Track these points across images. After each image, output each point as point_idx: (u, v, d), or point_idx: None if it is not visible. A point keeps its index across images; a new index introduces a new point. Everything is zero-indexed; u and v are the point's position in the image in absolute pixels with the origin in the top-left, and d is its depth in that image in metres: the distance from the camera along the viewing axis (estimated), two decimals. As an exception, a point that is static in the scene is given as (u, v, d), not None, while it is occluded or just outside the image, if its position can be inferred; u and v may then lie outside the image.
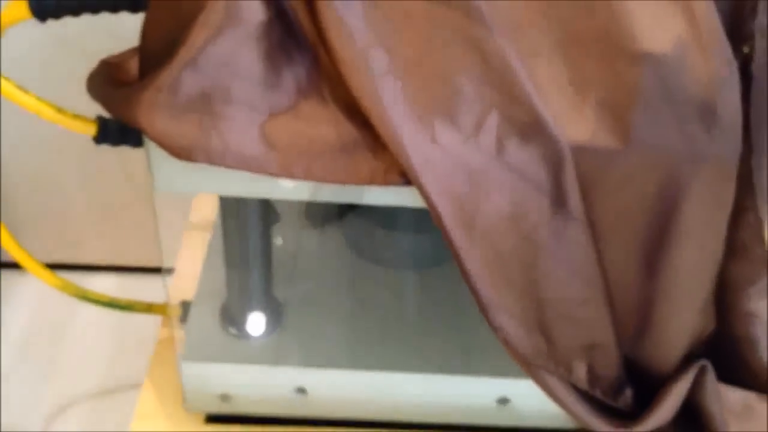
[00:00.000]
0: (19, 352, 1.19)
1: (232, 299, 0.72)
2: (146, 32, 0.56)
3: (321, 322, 0.73)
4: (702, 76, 0.53)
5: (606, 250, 0.58)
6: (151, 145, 0.55)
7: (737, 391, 0.67)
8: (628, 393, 0.64)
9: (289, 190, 0.58)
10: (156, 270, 1.24)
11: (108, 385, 1.15)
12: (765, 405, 0.67)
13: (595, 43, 0.54)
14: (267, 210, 0.69)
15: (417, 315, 0.75)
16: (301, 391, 0.70)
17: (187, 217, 0.87)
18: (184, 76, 0.52)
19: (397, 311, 0.75)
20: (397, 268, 0.79)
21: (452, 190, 0.55)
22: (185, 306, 0.75)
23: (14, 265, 1.15)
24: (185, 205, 0.88)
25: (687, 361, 0.64)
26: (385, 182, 0.55)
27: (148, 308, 0.84)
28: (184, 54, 0.52)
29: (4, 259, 1.21)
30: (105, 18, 0.60)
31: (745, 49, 0.57)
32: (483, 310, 0.58)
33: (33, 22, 0.60)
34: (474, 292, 0.57)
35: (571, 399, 0.63)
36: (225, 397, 0.70)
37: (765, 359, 0.66)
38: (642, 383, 0.65)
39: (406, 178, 0.54)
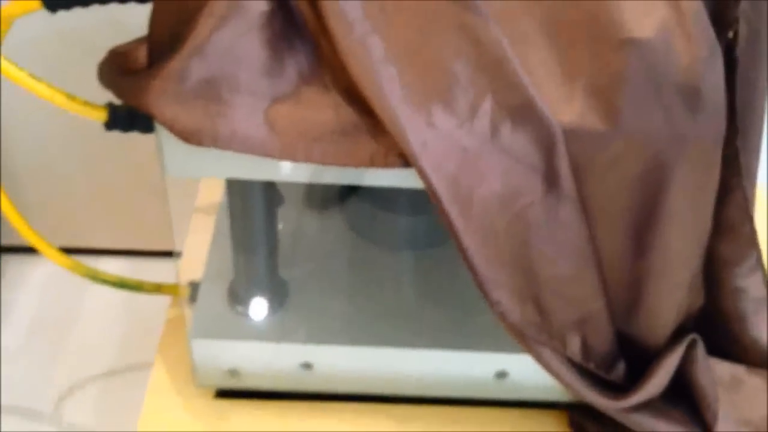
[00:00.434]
0: (30, 334, 1.19)
1: (239, 279, 0.73)
2: (154, 22, 0.57)
3: (325, 300, 0.74)
4: (686, 61, 0.54)
5: (597, 229, 0.59)
6: (161, 131, 0.56)
7: (726, 365, 0.68)
8: (621, 366, 0.65)
9: (292, 172, 0.58)
10: (160, 253, 1.26)
11: (116, 366, 1.15)
12: (753, 378, 0.68)
13: (583, 29, 0.55)
14: (272, 193, 0.69)
15: (417, 293, 0.75)
16: (307, 366, 0.70)
17: (195, 201, 0.87)
18: (191, 64, 0.54)
19: (397, 290, 0.75)
20: (397, 248, 0.79)
21: (449, 172, 0.56)
22: (194, 286, 0.75)
23: (24, 249, 1.17)
24: (193, 189, 0.88)
25: (677, 335, 0.65)
26: (385, 164, 0.56)
27: (158, 288, 0.84)
28: (191, 43, 0.53)
29: (15, 242, 1.21)
30: (110, 10, 0.61)
31: (730, 34, 0.58)
32: (480, 285, 0.59)
33: (39, 13, 0.60)
34: (471, 268, 0.58)
35: (566, 372, 0.64)
36: (233, 373, 0.71)
37: (753, 334, 0.68)
38: (634, 357, 0.66)
39: (404, 160, 0.55)
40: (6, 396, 1.11)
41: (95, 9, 0.61)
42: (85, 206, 1.26)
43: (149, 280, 0.86)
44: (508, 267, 0.59)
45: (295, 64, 0.56)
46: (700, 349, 0.65)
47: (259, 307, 0.73)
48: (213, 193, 0.87)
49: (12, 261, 1.27)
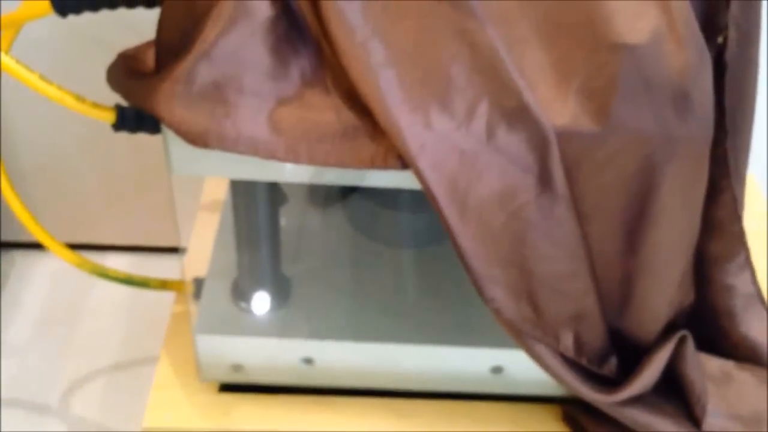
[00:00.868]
0: (37, 328, 1.20)
1: (242, 276, 0.73)
2: (162, 27, 0.58)
3: (326, 296, 0.74)
4: (676, 65, 0.55)
5: (590, 227, 0.60)
6: (168, 132, 0.57)
7: (716, 360, 0.69)
8: (613, 361, 0.66)
9: (295, 173, 0.59)
10: (164, 249, 1.27)
11: (122, 360, 1.15)
12: (742, 373, 0.69)
13: (577, 33, 0.56)
14: (275, 192, 0.70)
15: (415, 290, 0.76)
16: (308, 361, 0.71)
17: (200, 199, 0.87)
18: (198, 68, 0.54)
19: (397, 287, 0.76)
20: (396, 246, 0.79)
21: (446, 173, 0.56)
22: (199, 283, 0.75)
23: (32, 246, 1.18)
24: (198, 187, 0.88)
25: (668, 331, 0.66)
26: (384, 165, 0.56)
27: (163, 285, 0.85)
28: (198, 47, 0.54)
29: (23, 239, 1.22)
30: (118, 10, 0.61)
31: (719, 40, 0.59)
32: (475, 283, 0.59)
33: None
34: (466, 266, 0.59)
35: (560, 367, 0.64)
36: (237, 368, 0.71)
37: (743, 330, 0.69)
38: (626, 352, 0.66)
39: (403, 161, 0.56)
40: (13, 390, 1.11)
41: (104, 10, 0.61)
42: (92, 203, 1.27)
43: (154, 275, 0.86)
44: (503, 265, 0.59)
45: (298, 68, 0.57)
46: (690, 345, 0.66)
47: (262, 304, 0.73)
48: (217, 191, 0.87)
49: (19, 257, 1.27)
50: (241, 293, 0.73)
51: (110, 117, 0.63)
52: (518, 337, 0.63)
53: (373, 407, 0.73)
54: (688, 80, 0.55)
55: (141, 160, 1.18)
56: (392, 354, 0.71)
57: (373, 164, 0.56)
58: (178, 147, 0.57)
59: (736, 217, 0.65)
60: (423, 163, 0.56)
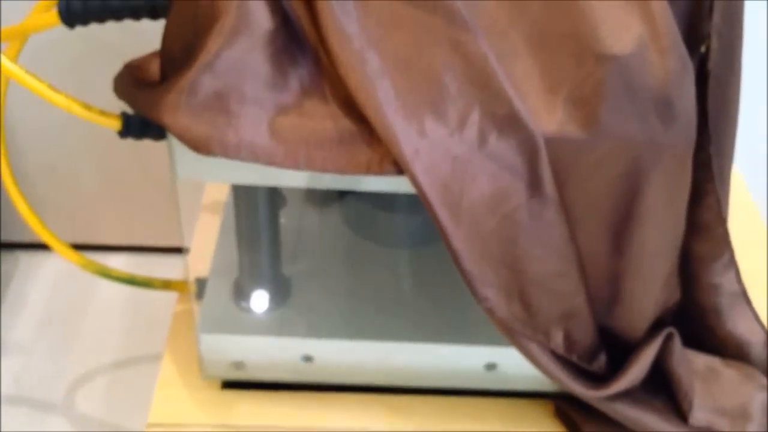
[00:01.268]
0: (41, 327, 1.20)
1: (243, 276, 0.74)
2: (166, 38, 0.59)
3: (325, 296, 0.74)
4: (660, 74, 0.56)
5: (579, 229, 0.61)
6: (173, 140, 0.58)
7: (702, 356, 0.70)
8: (602, 358, 0.67)
9: (294, 178, 0.59)
10: (166, 250, 1.27)
11: (125, 358, 1.15)
12: (728, 369, 0.70)
13: (565, 44, 0.57)
14: (275, 195, 0.70)
15: (411, 289, 0.76)
16: (308, 358, 0.72)
17: (201, 202, 0.87)
18: (202, 79, 0.55)
19: (393, 286, 0.76)
20: (393, 246, 0.80)
21: (439, 177, 0.57)
22: (201, 283, 0.75)
23: (37, 246, 1.18)
24: (200, 189, 0.89)
25: (655, 328, 0.67)
26: (380, 171, 0.57)
27: (166, 285, 0.85)
28: (202, 59, 0.55)
29: (28, 239, 1.22)
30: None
31: (702, 49, 0.60)
32: (468, 283, 0.60)
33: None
34: (459, 267, 0.60)
35: (551, 364, 0.65)
36: (239, 365, 0.72)
37: (728, 327, 0.70)
38: (615, 349, 0.67)
39: (398, 167, 0.57)
40: (18, 387, 1.12)
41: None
42: (96, 203, 1.27)
43: (156, 274, 0.86)
44: (495, 266, 0.60)
45: (297, 77, 0.58)
46: (677, 342, 0.67)
47: (262, 303, 0.74)
48: (219, 193, 0.87)
49: (24, 257, 1.28)
50: (242, 293, 0.74)
51: (116, 124, 0.63)
52: (511, 335, 0.64)
53: (371, 403, 0.74)
54: (671, 88, 0.56)
55: (144, 162, 1.19)
56: (389, 351, 0.72)
57: (369, 170, 0.57)
58: (183, 154, 0.58)
59: (721, 219, 0.66)
60: (417, 168, 0.57)
